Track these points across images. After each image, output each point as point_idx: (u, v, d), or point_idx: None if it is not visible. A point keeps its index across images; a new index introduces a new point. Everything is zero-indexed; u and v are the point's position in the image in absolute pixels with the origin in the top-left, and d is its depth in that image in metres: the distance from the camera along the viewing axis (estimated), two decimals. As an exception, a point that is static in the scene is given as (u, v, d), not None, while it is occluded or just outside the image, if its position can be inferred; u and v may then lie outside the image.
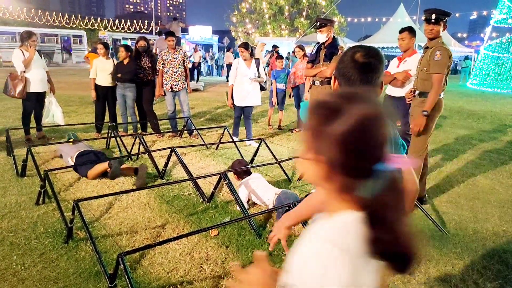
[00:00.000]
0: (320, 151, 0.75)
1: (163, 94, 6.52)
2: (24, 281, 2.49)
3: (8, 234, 3.08)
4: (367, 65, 1.38)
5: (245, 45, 6.08)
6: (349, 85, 1.40)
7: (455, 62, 29.43)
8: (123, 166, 4.47)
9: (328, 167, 0.75)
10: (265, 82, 6.43)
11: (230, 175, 3.93)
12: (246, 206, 3.68)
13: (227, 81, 7.39)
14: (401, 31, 4.36)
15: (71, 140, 5.24)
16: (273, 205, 3.57)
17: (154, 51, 10.32)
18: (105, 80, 6.52)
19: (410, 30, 4.32)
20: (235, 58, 13.80)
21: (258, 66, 6.17)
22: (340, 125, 0.72)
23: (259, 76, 6.14)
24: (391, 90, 4.53)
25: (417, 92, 3.73)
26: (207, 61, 24.54)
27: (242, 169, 3.97)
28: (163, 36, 12.57)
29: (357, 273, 0.71)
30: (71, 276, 2.55)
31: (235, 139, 6.16)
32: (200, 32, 29.55)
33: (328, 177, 0.76)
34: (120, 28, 43.01)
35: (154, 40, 15.14)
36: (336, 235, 0.76)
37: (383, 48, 30.09)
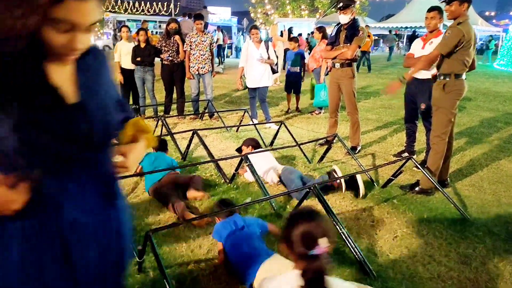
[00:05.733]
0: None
1: (192, 77, 6.59)
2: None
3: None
4: None
5: (257, 27, 6.46)
6: None
7: (483, 42, 28.22)
8: None
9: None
10: (276, 64, 6.47)
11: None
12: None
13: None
14: (430, 10, 4.18)
15: None
16: (277, 180, 3.87)
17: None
18: (129, 63, 6.62)
19: (440, 10, 4.12)
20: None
21: (267, 49, 6.22)
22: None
23: (268, 58, 6.20)
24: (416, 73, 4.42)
25: (438, 73, 3.67)
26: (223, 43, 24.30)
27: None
28: (186, 18, 12.56)
29: None
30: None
31: (255, 121, 6.20)
32: (219, 14, 29.35)
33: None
34: (140, 11, 43.04)
35: None
36: None
37: (407, 28, 29.24)
